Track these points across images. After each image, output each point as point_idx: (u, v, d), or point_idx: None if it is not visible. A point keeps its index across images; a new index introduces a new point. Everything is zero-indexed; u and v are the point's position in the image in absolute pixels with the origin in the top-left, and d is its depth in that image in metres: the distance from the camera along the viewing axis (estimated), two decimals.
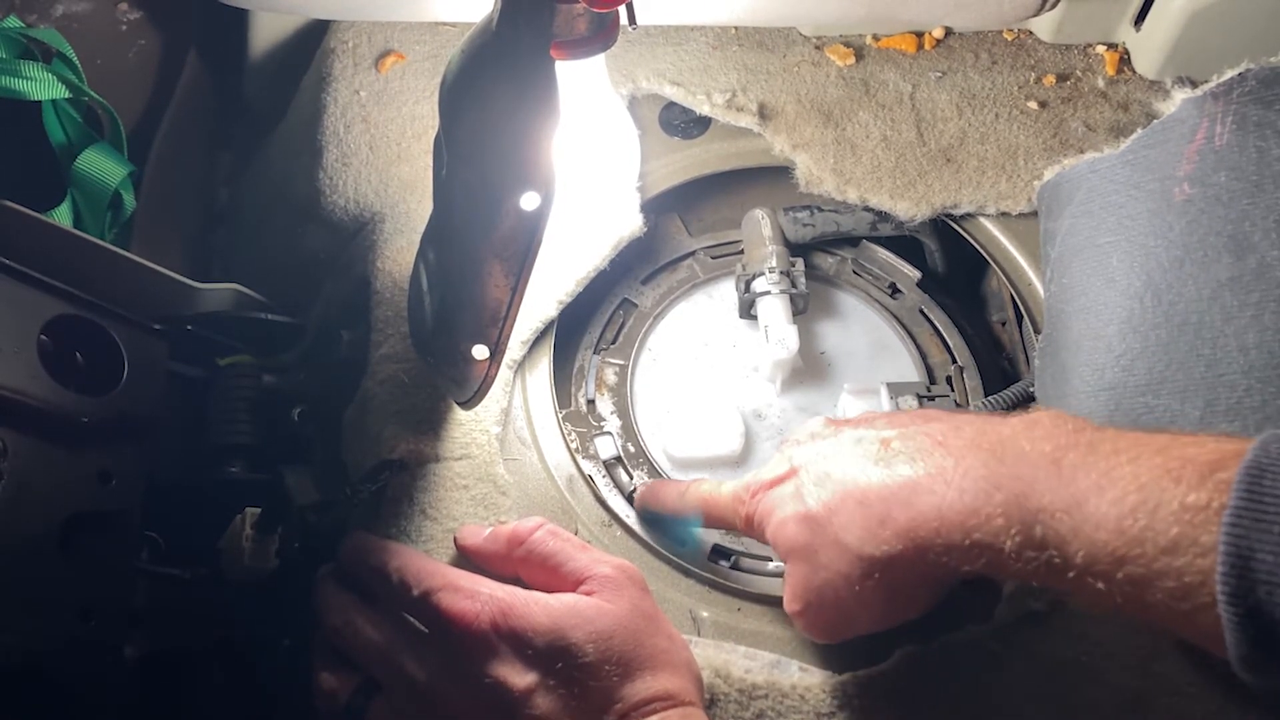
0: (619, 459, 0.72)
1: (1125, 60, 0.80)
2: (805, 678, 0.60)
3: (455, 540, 0.61)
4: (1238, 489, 0.40)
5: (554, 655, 0.52)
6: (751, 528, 0.59)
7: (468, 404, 0.63)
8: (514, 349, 0.69)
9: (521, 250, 0.52)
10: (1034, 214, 0.75)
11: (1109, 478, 0.44)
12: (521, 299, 0.55)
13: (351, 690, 0.55)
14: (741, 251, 0.79)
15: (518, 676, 0.52)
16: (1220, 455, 0.42)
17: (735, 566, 0.68)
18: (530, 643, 0.52)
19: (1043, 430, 0.49)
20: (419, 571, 0.56)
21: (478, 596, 0.54)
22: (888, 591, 0.53)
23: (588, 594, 0.55)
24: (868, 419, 0.58)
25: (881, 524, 0.51)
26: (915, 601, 0.56)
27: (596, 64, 0.61)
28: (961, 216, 0.77)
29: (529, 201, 0.49)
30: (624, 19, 0.49)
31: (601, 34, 0.48)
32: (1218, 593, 0.39)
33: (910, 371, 0.76)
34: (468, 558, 0.60)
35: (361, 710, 0.55)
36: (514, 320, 0.57)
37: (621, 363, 0.75)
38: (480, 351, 0.58)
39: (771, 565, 0.68)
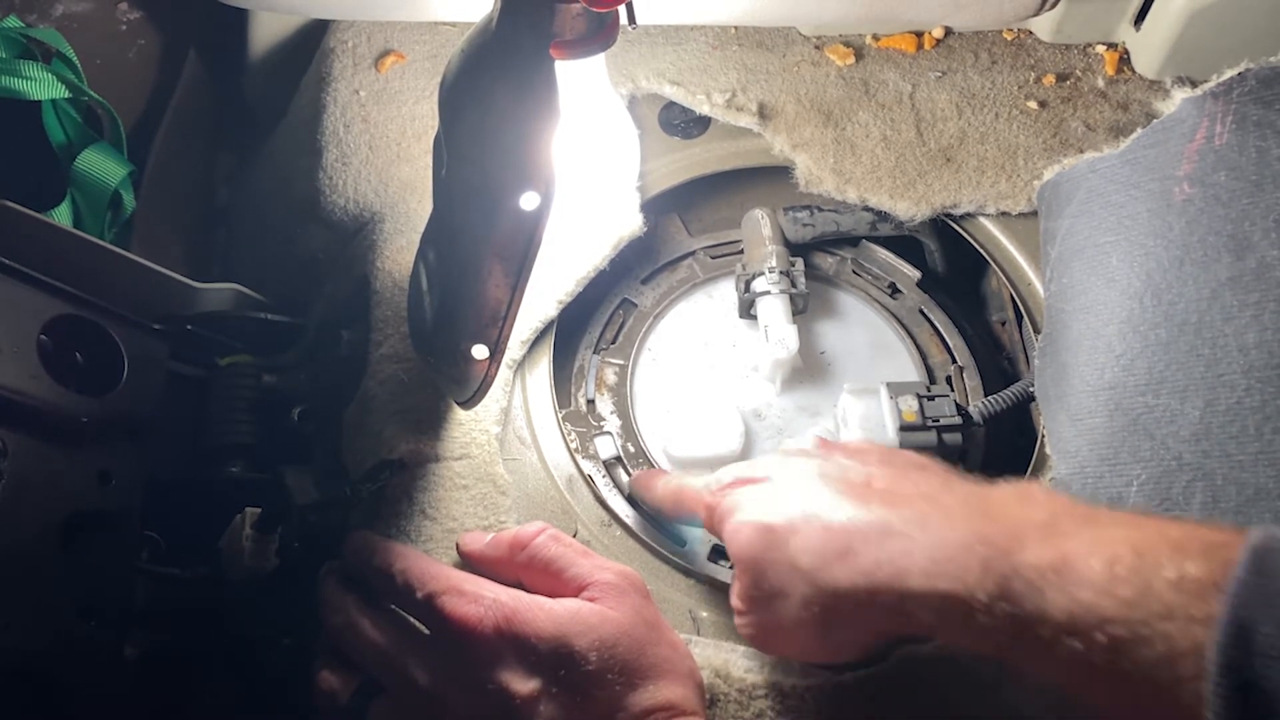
0: (619, 459, 0.72)
1: (1125, 60, 0.80)
2: (805, 678, 0.59)
3: (457, 546, 0.61)
4: (1244, 563, 0.39)
5: (558, 662, 0.52)
6: (711, 521, 0.58)
7: (468, 404, 0.63)
8: (514, 349, 0.69)
9: (521, 250, 0.52)
10: (1034, 214, 0.75)
11: (1102, 542, 0.43)
12: (521, 299, 0.55)
13: (352, 691, 0.55)
14: (741, 251, 0.79)
15: (521, 682, 0.52)
16: (1224, 535, 0.41)
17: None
18: (534, 648, 0.52)
19: (1037, 500, 0.48)
20: (423, 574, 0.56)
21: (482, 601, 0.54)
22: (822, 627, 0.51)
23: (590, 600, 0.55)
24: (863, 451, 0.57)
25: (841, 556, 0.50)
26: (844, 647, 0.54)
27: (596, 64, 0.61)
28: (961, 216, 0.77)
29: (529, 201, 0.49)
30: (624, 18, 0.49)
31: (601, 33, 0.48)
32: (1211, 664, 0.38)
33: (910, 371, 0.76)
34: (470, 564, 0.60)
35: (362, 711, 0.55)
36: (514, 320, 0.57)
37: (621, 362, 0.75)
38: (480, 351, 0.58)
39: None
